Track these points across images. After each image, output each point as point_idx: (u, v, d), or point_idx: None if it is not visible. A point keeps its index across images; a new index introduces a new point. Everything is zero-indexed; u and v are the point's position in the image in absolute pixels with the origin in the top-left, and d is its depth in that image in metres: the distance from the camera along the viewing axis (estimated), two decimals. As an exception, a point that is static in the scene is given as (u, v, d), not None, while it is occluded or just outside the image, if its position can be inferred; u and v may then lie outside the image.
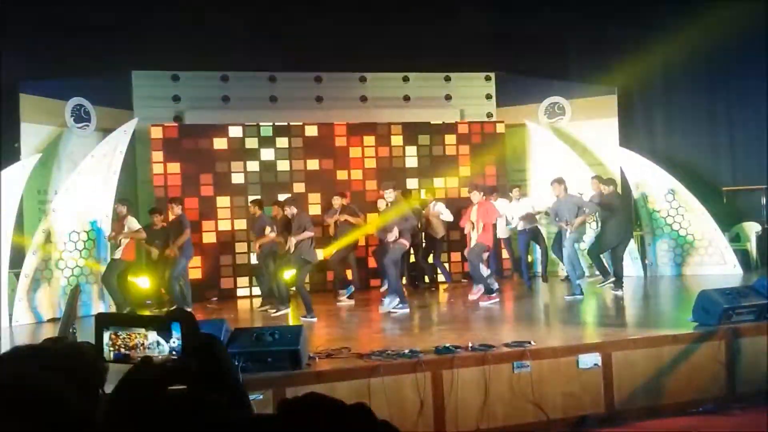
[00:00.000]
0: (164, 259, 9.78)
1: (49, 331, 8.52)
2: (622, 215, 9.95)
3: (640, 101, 13.11)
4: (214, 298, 10.89)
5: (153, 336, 1.14)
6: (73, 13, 10.33)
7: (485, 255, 9.51)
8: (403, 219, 9.06)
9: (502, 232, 11.02)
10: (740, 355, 6.29)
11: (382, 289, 10.15)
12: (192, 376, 1.04)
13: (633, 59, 12.58)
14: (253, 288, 11.06)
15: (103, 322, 1.16)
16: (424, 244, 11.15)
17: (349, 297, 10.05)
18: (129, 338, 1.14)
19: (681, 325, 6.73)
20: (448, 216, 10.81)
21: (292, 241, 8.73)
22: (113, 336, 1.15)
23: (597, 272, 10.50)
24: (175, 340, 1.13)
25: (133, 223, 9.55)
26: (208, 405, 1.00)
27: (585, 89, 12.64)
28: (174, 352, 1.13)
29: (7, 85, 10.10)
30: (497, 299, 9.26)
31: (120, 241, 9.45)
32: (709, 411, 5.99)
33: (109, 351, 1.13)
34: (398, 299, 8.86)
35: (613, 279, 9.81)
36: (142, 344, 1.14)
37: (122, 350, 1.14)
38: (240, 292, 11.25)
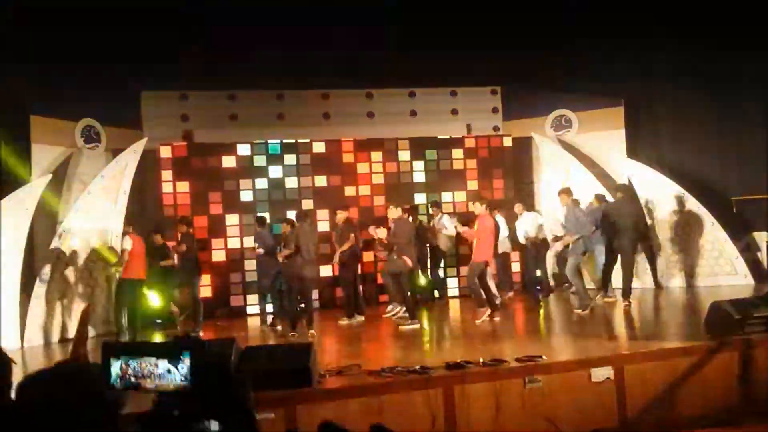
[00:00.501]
0: (166, 278, 9.90)
1: (60, 352, 8.55)
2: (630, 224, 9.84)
3: (647, 112, 13.07)
4: (219, 316, 10.90)
5: (164, 364, 1.15)
6: (83, 34, 10.44)
7: (489, 269, 9.42)
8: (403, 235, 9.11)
9: (504, 247, 10.98)
10: (753, 366, 6.24)
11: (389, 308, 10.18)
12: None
13: (639, 70, 12.63)
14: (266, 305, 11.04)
15: (111, 351, 1.17)
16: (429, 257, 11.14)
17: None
18: (140, 367, 1.15)
19: (693, 337, 6.69)
20: (450, 229, 10.78)
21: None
22: (123, 366, 1.16)
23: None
24: (184, 368, 1.14)
25: (126, 243, 9.32)
26: None
27: (591, 101, 12.65)
28: (184, 380, 1.14)
29: (18, 107, 10.20)
30: (492, 314, 9.02)
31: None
32: (722, 423, 5.93)
33: (118, 379, 1.14)
34: (407, 313, 8.88)
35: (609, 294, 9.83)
36: (153, 373, 1.15)
37: (132, 379, 1.15)
38: (250, 310, 11.26)
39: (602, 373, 5.94)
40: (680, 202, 11.40)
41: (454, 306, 11.06)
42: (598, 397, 5.89)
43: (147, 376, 1.12)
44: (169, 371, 1.12)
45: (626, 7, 11.79)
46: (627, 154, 12.30)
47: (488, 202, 9.90)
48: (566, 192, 9.67)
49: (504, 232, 10.99)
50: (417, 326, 8.70)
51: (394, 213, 9.42)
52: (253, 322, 10.66)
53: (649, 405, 6.00)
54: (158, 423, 0.97)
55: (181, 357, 1.13)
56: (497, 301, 9.41)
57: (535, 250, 11.00)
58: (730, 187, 12.31)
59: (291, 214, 11.10)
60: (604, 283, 10.22)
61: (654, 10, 11.67)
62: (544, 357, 6.05)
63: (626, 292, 9.50)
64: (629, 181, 11.77)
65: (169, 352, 1.11)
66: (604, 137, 12.46)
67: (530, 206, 11.88)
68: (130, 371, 1.11)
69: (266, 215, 10.72)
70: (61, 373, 1.52)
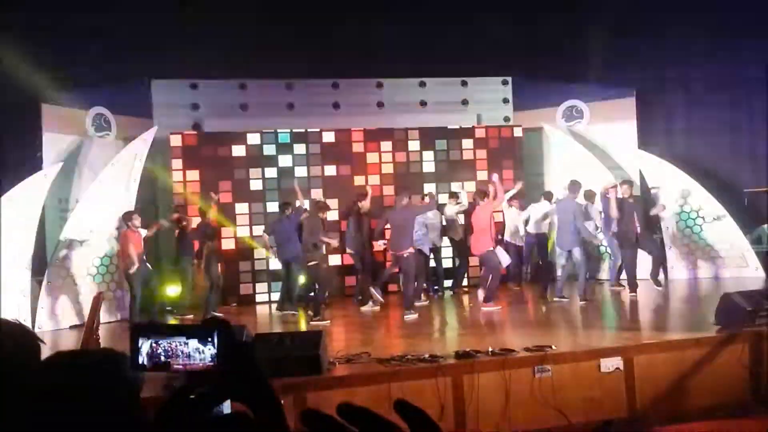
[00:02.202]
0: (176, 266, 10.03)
1: (71, 338, 8.62)
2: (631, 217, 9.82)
3: (659, 103, 13.00)
4: (234, 304, 10.95)
5: (194, 344, 1.16)
6: (93, 23, 10.47)
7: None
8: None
9: (510, 236, 10.97)
10: (764, 358, 6.22)
11: None
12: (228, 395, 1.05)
13: (651, 61, 12.55)
14: (272, 294, 11.10)
15: (141, 331, 1.18)
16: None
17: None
18: (170, 346, 1.16)
19: (704, 329, 6.67)
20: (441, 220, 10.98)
21: None
22: (154, 345, 1.17)
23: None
24: (212, 348, 1.15)
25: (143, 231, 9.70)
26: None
27: (603, 92, 12.58)
28: (212, 360, 1.15)
29: (29, 95, 10.25)
30: (496, 306, 9.08)
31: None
32: (732, 415, 5.91)
33: (150, 359, 1.15)
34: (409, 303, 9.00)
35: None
36: (183, 352, 1.16)
37: (162, 358, 1.16)
38: (259, 298, 11.30)
39: (611, 364, 5.94)
40: (692, 193, 11.34)
41: (464, 296, 11.04)
42: (607, 388, 5.89)
43: (177, 355, 1.13)
44: (199, 351, 1.13)
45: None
46: (638, 146, 12.24)
47: (477, 193, 10.01)
48: (574, 183, 9.69)
49: (516, 222, 10.97)
50: (413, 317, 8.70)
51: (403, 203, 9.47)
52: (263, 310, 10.72)
53: (659, 396, 6.00)
54: (177, 405, 0.97)
55: (210, 338, 1.13)
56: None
57: (536, 241, 10.93)
58: (741, 179, 12.24)
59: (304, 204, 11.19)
60: (617, 274, 10.27)
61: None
62: (553, 347, 6.05)
63: (632, 283, 9.53)
64: (641, 174, 11.73)
65: (199, 331, 1.12)
66: (616, 128, 12.40)
67: (539, 197, 11.82)
68: (160, 350, 1.12)
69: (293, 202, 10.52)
70: (82, 357, 1.53)
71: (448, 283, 11.46)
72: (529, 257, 11.38)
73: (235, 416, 1.01)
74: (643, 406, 5.94)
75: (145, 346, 1.14)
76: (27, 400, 1.10)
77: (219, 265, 10.10)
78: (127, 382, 1.15)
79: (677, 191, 11.44)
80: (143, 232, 9.59)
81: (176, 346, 1.14)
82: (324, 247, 9.78)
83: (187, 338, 1.13)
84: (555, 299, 9.46)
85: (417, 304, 9.46)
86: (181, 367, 1.13)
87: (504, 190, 9.56)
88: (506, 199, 10.14)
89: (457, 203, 10.98)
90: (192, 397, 1.02)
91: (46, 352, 1.95)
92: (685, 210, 11.43)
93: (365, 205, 10.36)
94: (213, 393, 1.03)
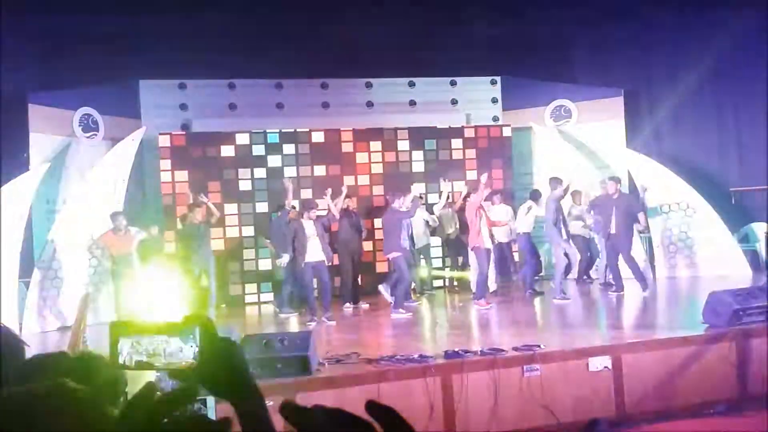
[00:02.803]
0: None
1: (58, 339, 8.56)
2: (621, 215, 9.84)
3: (647, 102, 13.07)
4: (223, 305, 10.90)
5: (176, 342, 1.15)
6: (80, 22, 10.41)
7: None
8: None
9: (502, 236, 10.90)
10: (751, 356, 6.26)
11: None
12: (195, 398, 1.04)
13: (639, 60, 12.61)
14: (261, 294, 11.07)
15: (120, 330, 1.16)
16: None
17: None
18: (151, 345, 1.15)
19: (691, 327, 6.71)
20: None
21: None
22: (135, 343, 1.15)
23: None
24: (194, 345, 1.14)
25: (140, 233, 9.69)
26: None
27: (591, 91, 12.63)
28: (194, 358, 1.13)
29: (15, 96, 10.19)
30: (487, 305, 9.10)
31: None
32: (720, 413, 5.96)
33: (131, 357, 1.14)
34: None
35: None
36: (164, 350, 1.15)
37: (144, 357, 1.14)
38: (248, 299, 11.27)
39: (600, 363, 5.97)
40: (679, 192, 11.40)
41: (452, 296, 11.06)
42: (596, 387, 5.92)
43: (158, 354, 1.11)
44: (181, 349, 1.11)
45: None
46: (626, 145, 12.29)
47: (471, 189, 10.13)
48: (556, 180, 9.73)
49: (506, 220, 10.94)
50: (400, 317, 8.78)
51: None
52: (252, 311, 10.69)
53: (647, 394, 6.03)
54: (141, 404, 0.96)
55: (192, 335, 1.12)
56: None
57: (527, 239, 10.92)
58: (729, 177, 12.33)
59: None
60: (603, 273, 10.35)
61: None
62: (542, 346, 6.06)
63: (617, 282, 9.63)
64: (628, 173, 11.78)
65: (180, 329, 1.11)
66: (604, 127, 12.45)
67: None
68: (141, 349, 1.10)
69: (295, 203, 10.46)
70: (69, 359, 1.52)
71: (437, 282, 11.49)
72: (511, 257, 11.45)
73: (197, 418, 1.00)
74: (631, 405, 5.97)
75: (125, 345, 1.13)
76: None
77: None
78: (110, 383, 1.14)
79: (665, 189, 11.49)
80: (135, 232, 9.54)
81: (158, 344, 1.13)
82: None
83: (169, 336, 1.12)
84: (555, 299, 9.41)
85: (409, 304, 9.51)
86: (161, 365, 1.12)
87: (492, 188, 9.66)
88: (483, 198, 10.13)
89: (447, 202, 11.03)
90: (159, 394, 1.00)
91: (31, 354, 1.94)
92: (672, 208, 11.48)
93: (338, 203, 10.11)
94: (183, 391, 1.02)
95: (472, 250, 9.33)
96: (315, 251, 9.03)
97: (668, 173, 11.50)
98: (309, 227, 9.12)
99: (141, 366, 1.12)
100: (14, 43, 9.90)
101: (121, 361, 1.15)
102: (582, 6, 11.89)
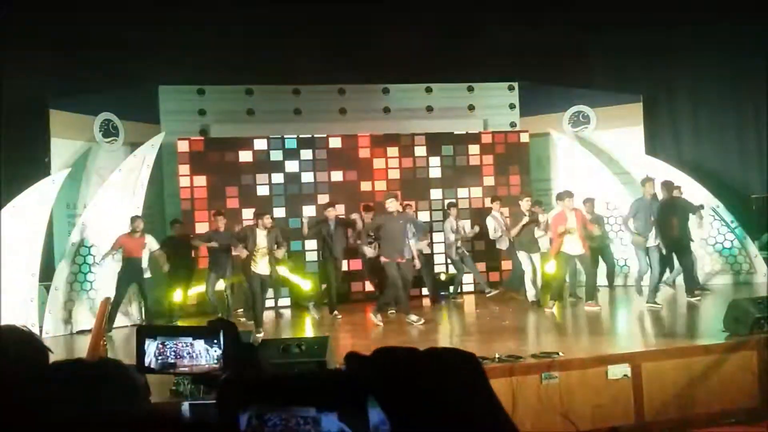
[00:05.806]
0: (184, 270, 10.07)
1: (79, 343, 8.63)
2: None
3: (666, 108, 12.97)
4: (240, 310, 10.94)
5: (200, 344, 1.16)
6: (101, 29, 10.52)
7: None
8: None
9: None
10: (773, 365, 6.18)
11: None
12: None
13: (658, 66, 12.52)
14: (278, 299, 11.09)
15: (147, 333, 1.18)
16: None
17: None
18: (176, 347, 1.16)
19: (712, 335, 6.64)
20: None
21: None
22: (161, 345, 1.17)
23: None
24: (218, 349, 1.15)
25: (152, 241, 9.83)
26: None
27: (610, 97, 12.56)
28: (219, 360, 1.14)
29: (37, 102, 10.31)
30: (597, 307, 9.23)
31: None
32: (741, 422, 5.88)
33: (157, 360, 1.15)
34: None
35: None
36: (189, 353, 1.16)
37: (170, 359, 1.16)
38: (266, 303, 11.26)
39: (619, 371, 5.92)
40: (699, 199, 11.27)
41: (470, 301, 11.02)
42: (615, 395, 5.87)
43: (183, 356, 1.12)
44: (205, 351, 1.13)
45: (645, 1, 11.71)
46: (645, 151, 12.20)
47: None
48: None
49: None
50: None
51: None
52: (268, 315, 10.70)
53: (667, 403, 5.97)
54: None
55: (216, 339, 1.13)
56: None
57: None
58: (749, 184, 12.19)
59: (307, 209, 11.23)
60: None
61: (673, 4, 11.56)
62: (560, 353, 6.03)
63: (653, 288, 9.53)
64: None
65: (205, 332, 1.12)
66: (623, 134, 12.37)
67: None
68: (167, 351, 1.11)
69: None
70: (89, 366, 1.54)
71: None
72: None
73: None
74: (651, 414, 5.91)
75: (151, 347, 1.14)
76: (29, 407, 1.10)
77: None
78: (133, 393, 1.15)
79: (685, 196, 11.34)
80: (150, 238, 9.67)
81: (182, 347, 1.13)
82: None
83: (194, 339, 1.13)
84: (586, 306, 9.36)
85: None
86: (186, 368, 1.13)
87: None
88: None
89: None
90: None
91: (53, 359, 1.96)
92: (694, 216, 11.34)
93: (331, 213, 10.13)
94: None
95: None
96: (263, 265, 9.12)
97: (687, 179, 11.38)
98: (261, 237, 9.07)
99: (164, 369, 1.13)
100: (36, 50, 10.02)
101: (146, 363, 1.16)
102: (600, 11, 11.84)
